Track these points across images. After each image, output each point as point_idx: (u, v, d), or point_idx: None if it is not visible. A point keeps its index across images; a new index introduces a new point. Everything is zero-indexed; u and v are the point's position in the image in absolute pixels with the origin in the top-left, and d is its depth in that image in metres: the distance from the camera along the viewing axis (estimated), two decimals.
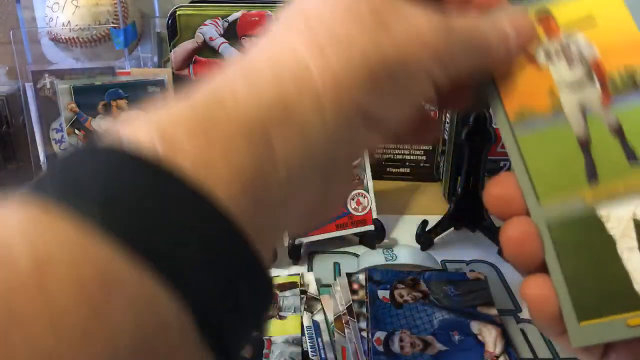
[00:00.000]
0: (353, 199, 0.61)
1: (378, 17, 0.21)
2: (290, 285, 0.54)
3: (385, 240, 0.62)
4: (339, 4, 0.22)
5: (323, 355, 0.46)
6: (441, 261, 0.60)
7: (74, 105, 0.63)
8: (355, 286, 0.53)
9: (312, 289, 0.54)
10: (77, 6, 0.77)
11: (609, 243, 0.22)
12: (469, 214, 0.61)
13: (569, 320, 0.22)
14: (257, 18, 0.64)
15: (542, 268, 0.23)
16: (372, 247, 0.62)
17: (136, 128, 0.17)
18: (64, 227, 0.14)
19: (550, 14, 0.25)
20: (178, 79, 0.66)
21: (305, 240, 0.60)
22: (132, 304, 0.14)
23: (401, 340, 0.47)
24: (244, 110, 0.19)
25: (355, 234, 0.62)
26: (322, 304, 0.52)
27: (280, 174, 0.19)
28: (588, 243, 0.22)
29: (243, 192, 0.17)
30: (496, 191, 0.25)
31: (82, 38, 0.77)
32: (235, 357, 0.17)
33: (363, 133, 0.22)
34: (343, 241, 0.62)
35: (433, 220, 0.62)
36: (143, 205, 0.15)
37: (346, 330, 0.48)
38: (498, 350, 0.46)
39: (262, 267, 0.18)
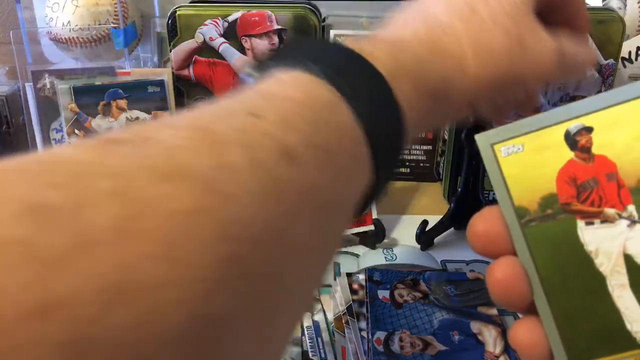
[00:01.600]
0: None
1: (521, 47, 0.29)
2: None
3: (385, 240, 0.62)
4: (500, 21, 0.29)
5: (323, 355, 0.46)
6: (441, 261, 0.60)
7: (74, 105, 0.63)
8: (355, 286, 0.53)
9: None
10: (77, 6, 0.77)
11: (599, 280, 0.21)
12: (469, 214, 0.61)
13: None
14: (257, 18, 0.64)
15: (531, 308, 0.22)
16: (372, 247, 0.62)
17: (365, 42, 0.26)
18: (306, 79, 0.23)
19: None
20: (178, 79, 0.66)
21: None
22: (332, 112, 0.22)
23: (401, 340, 0.47)
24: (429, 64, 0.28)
25: (355, 234, 0.62)
26: (322, 304, 0.52)
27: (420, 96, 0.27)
28: (577, 282, 0.21)
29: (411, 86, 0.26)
30: (480, 228, 0.24)
31: (82, 38, 0.77)
32: (385, 173, 0.25)
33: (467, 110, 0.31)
34: (343, 241, 0.62)
35: (433, 220, 0.62)
36: (350, 71, 0.24)
37: (346, 330, 0.48)
38: (498, 350, 0.46)
39: (404, 129, 0.25)
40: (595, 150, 0.21)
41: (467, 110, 0.30)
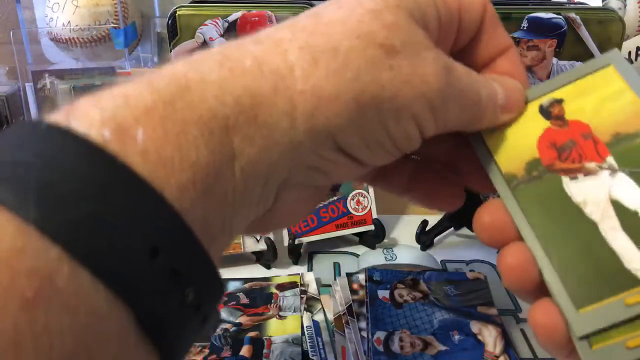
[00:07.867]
0: (353, 199, 0.61)
1: (389, 55, 0.20)
2: (290, 285, 0.54)
3: (385, 240, 0.62)
4: (355, 21, 0.20)
5: (323, 355, 0.46)
6: (441, 261, 0.60)
7: None
8: (355, 286, 0.53)
9: (312, 289, 0.54)
10: (77, 6, 0.77)
11: (592, 226, 0.22)
12: (469, 214, 0.61)
13: (568, 311, 0.22)
14: (257, 18, 0.64)
15: (542, 290, 0.23)
16: (372, 247, 0.62)
17: (88, 110, 0.16)
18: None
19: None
20: None
21: (305, 240, 0.60)
22: (67, 305, 0.13)
23: (401, 340, 0.47)
24: (208, 103, 0.17)
25: (355, 234, 0.62)
26: (322, 304, 0.52)
27: (235, 177, 0.18)
28: (571, 231, 0.23)
29: (194, 189, 0.16)
30: (487, 219, 0.25)
31: (82, 38, 0.77)
32: (181, 353, 0.17)
33: (335, 156, 0.21)
34: (343, 241, 0.62)
35: (433, 220, 0.62)
36: (82, 201, 0.14)
37: (346, 330, 0.48)
38: (498, 350, 0.46)
39: (210, 264, 0.17)
40: (568, 116, 0.25)
41: (319, 159, 0.20)
